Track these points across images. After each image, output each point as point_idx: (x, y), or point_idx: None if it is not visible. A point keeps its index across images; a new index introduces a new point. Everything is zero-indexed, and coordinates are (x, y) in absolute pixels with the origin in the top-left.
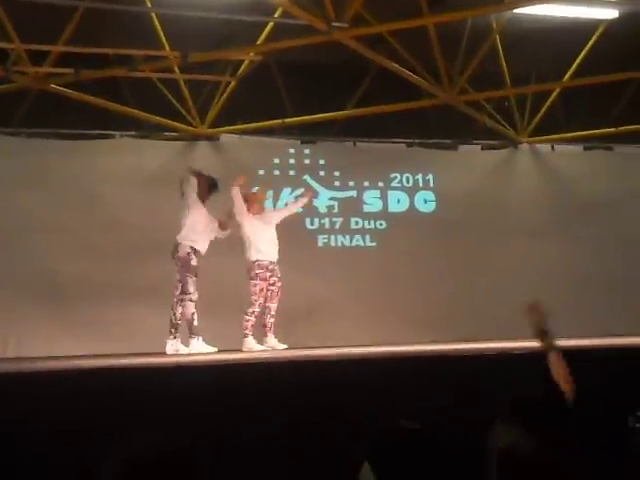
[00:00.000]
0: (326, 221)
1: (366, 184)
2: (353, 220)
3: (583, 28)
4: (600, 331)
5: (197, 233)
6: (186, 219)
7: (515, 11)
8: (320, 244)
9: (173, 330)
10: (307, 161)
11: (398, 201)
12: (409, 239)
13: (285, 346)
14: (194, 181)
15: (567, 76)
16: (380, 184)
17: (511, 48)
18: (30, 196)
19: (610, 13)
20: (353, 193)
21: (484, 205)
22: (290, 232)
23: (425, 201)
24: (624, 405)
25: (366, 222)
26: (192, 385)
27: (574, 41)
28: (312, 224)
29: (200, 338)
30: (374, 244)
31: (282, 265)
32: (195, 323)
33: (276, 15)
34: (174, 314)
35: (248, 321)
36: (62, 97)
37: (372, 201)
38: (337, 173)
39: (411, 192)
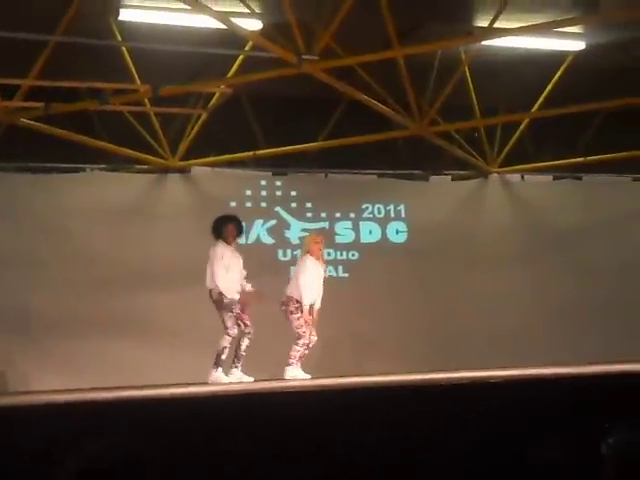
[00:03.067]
0: (298, 252)
1: (338, 215)
2: (325, 251)
3: (551, 59)
4: (573, 359)
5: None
6: None
7: (483, 43)
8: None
9: (235, 360)
10: (279, 193)
11: (370, 232)
12: (382, 269)
13: (308, 376)
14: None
15: (536, 107)
16: (352, 215)
17: (480, 79)
18: (0, 230)
19: (577, 45)
20: (325, 224)
21: (456, 235)
22: (262, 263)
23: (397, 231)
24: (597, 432)
25: (338, 253)
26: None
27: (542, 72)
28: (284, 255)
29: (220, 369)
30: (347, 275)
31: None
32: (223, 357)
33: (246, 48)
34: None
35: (297, 351)
36: (32, 131)
37: (344, 232)
38: (309, 204)
39: (383, 223)
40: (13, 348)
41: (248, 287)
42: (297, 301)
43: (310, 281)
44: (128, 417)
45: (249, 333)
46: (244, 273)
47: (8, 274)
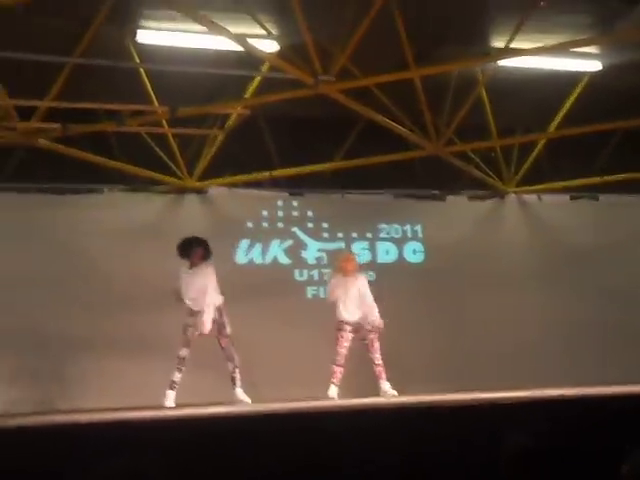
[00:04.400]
0: (315, 272)
1: (354, 235)
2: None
3: (567, 79)
4: (590, 379)
5: None
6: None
7: (500, 63)
8: (309, 295)
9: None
10: (295, 213)
11: (387, 252)
12: (398, 290)
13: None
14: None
15: (552, 127)
16: (368, 235)
17: (497, 100)
18: (18, 250)
19: (594, 65)
20: (341, 244)
21: (472, 255)
22: (279, 284)
23: (414, 252)
24: (615, 453)
25: None
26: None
27: (559, 92)
28: (301, 275)
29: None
30: None
31: (271, 317)
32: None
33: (263, 69)
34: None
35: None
36: (50, 152)
37: (361, 252)
38: (325, 225)
39: (400, 243)
40: (25, 365)
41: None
42: (340, 321)
43: (339, 299)
44: (135, 438)
45: (228, 357)
46: (211, 294)
47: (26, 294)
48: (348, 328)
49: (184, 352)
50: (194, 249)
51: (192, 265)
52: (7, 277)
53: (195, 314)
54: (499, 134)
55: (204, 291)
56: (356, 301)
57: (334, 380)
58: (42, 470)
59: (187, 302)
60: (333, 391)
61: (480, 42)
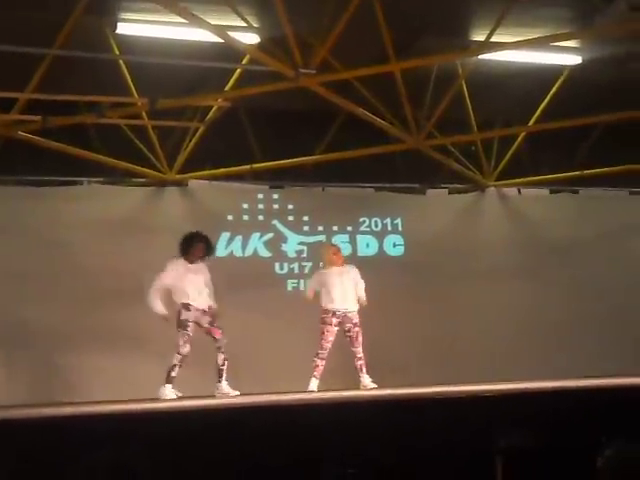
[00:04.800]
0: (295, 266)
1: (335, 228)
2: (322, 264)
3: (548, 73)
4: (570, 372)
5: None
6: None
7: (480, 57)
8: (289, 288)
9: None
10: (276, 206)
11: (367, 245)
12: (378, 283)
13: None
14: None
15: (532, 120)
16: (349, 228)
17: (477, 93)
18: None
19: (573, 59)
20: (322, 237)
21: (452, 248)
22: (260, 277)
23: (394, 245)
24: (591, 446)
25: None
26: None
27: (539, 86)
28: (281, 269)
29: (169, 386)
30: None
31: (251, 309)
32: (172, 374)
33: (244, 62)
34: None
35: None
36: (29, 144)
37: (341, 245)
38: (306, 218)
39: (380, 236)
40: (13, 361)
41: (212, 304)
42: (326, 312)
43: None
44: (121, 430)
45: (220, 347)
46: (207, 290)
47: (4, 287)
48: (334, 321)
49: (187, 349)
50: (196, 244)
51: (191, 261)
52: None
53: (193, 310)
54: (479, 127)
55: (203, 288)
56: (348, 292)
57: (315, 374)
58: (31, 461)
59: (184, 299)
60: (314, 384)
61: (461, 34)
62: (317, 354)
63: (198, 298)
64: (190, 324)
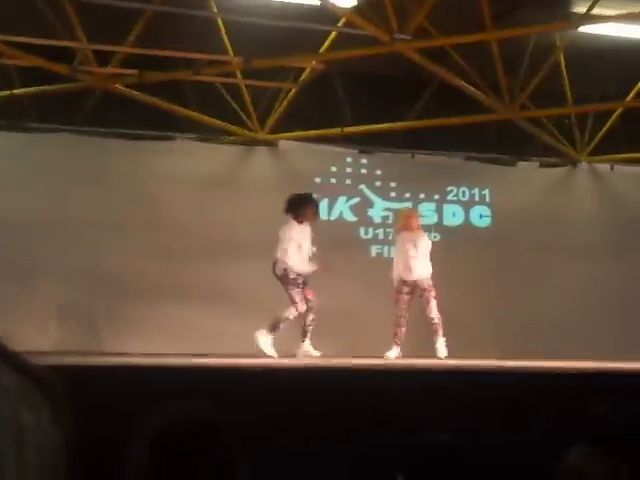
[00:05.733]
0: (380, 231)
1: (422, 196)
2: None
3: None
4: None
5: None
6: None
7: (580, 30)
8: (373, 254)
9: (302, 334)
10: (364, 171)
11: (453, 214)
12: (463, 253)
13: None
14: None
15: (630, 96)
16: (436, 197)
17: (574, 66)
18: (88, 193)
19: None
20: (409, 204)
21: (540, 222)
22: (343, 241)
23: (480, 216)
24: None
25: None
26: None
27: (638, 61)
28: (366, 234)
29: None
30: None
31: (334, 273)
32: (281, 325)
33: (339, 25)
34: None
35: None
36: (125, 97)
37: (427, 213)
38: (393, 184)
39: (467, 206)
40: (94, 310)
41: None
42: (398, 281)
43: (396, 258)
44: (202, 384)
45: (312, 308)
46: (313, 250)
47: (92, 238)
48: (405, 289)
49: (304, 307)
50: (309, 207)
51: (301, 222)
52: (78, 219)
53: (307, 272)
54: (574, 101)
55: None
56: (417, 258)
57: (397, 340)
58: (120, 407)
59: (302, 263)
60: (394, 352)
61: (561, 6)
62: (396, 322)
63: (309, 260)
64: (300, 282)
